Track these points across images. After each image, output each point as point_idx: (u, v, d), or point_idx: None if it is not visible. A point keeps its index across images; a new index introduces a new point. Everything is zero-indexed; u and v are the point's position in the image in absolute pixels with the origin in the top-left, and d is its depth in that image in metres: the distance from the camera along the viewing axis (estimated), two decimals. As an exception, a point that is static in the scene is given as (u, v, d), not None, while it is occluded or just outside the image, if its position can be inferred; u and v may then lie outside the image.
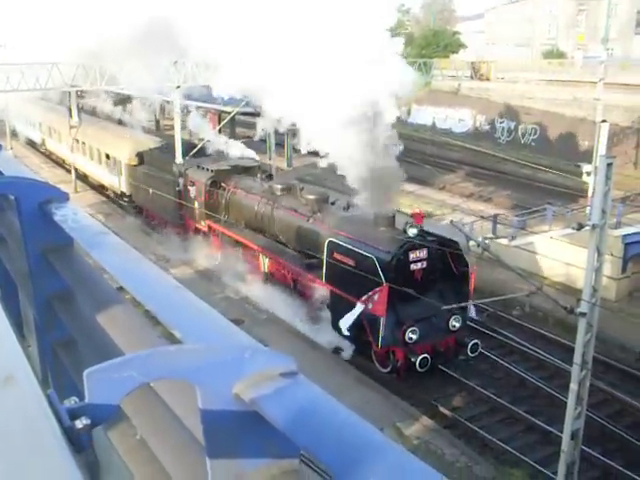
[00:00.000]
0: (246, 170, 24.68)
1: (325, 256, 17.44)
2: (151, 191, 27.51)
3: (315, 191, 21.44)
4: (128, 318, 2.58)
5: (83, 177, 37.33)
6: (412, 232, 16.38)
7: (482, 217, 25.92)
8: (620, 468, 13.67)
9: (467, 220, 25.20)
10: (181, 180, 25.66)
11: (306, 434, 1.55)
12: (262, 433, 1.71)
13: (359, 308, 15.60)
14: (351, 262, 16.57)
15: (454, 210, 31.18)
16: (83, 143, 35.43)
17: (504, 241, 23.72)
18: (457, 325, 16.79)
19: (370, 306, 15.52)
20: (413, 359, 15.88)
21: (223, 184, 23.87)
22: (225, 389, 1.68)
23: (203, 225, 24.55)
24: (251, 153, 26.76)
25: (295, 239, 20.21)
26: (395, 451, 1.39)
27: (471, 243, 17.45)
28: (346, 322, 15.99)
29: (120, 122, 37.16)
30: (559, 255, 20.85)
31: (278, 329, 19.29)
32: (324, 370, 16.51)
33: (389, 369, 16.84)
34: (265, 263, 21.56)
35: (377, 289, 15.48)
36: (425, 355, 15.89)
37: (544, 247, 22.41)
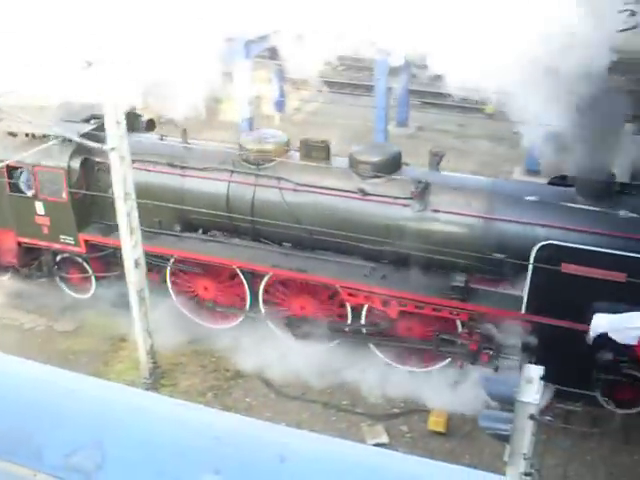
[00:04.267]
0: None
1: (531, 272, 11.04)
2: None
3: (377, 150, 12.82)
4: None
5: None
6: None
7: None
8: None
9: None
10: None
11: None
12: None
13: None
14: (616, 275, 10.44)
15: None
16: None
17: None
18: None
19: None
20: None
21: (98, 159, 13.35)
22: None
23: (71, 243, 13.87)
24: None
25: (390, 246, 12.22)
26: None
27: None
28: None
29: None
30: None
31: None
32: None
33: None
34: (257, 292, 13.26)
35: None
36: None
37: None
